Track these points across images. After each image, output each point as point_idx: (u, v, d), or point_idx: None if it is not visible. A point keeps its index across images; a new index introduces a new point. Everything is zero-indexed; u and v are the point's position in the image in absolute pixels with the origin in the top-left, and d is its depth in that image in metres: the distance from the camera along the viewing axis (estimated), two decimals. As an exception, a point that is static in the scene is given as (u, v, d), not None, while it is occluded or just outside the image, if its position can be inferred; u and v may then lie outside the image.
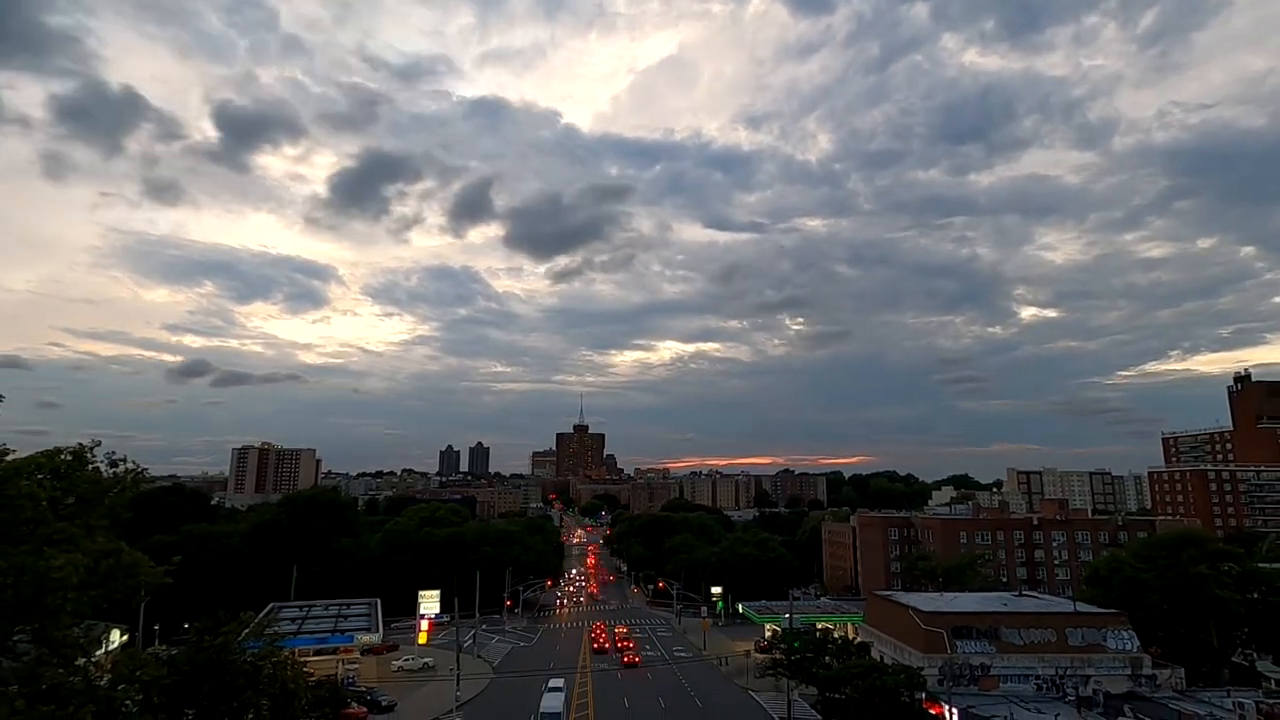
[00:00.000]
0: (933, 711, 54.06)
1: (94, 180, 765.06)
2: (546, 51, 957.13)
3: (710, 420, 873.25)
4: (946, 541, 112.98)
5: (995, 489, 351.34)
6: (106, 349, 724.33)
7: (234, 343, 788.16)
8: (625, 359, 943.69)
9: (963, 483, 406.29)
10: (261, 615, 70.40)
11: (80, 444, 27.48)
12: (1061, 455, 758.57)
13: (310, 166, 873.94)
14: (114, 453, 28.58)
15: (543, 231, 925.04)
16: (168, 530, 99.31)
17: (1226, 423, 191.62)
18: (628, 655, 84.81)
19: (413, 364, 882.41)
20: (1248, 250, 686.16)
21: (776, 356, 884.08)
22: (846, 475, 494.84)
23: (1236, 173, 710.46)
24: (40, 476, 25.73)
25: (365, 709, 61.55)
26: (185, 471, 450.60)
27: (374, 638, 76.82)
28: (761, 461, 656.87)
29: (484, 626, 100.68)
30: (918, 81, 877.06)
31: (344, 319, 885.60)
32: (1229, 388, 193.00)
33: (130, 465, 29.22)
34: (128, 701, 26.86)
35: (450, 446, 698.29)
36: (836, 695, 56.20)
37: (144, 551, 28.27)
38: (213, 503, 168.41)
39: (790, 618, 74.22)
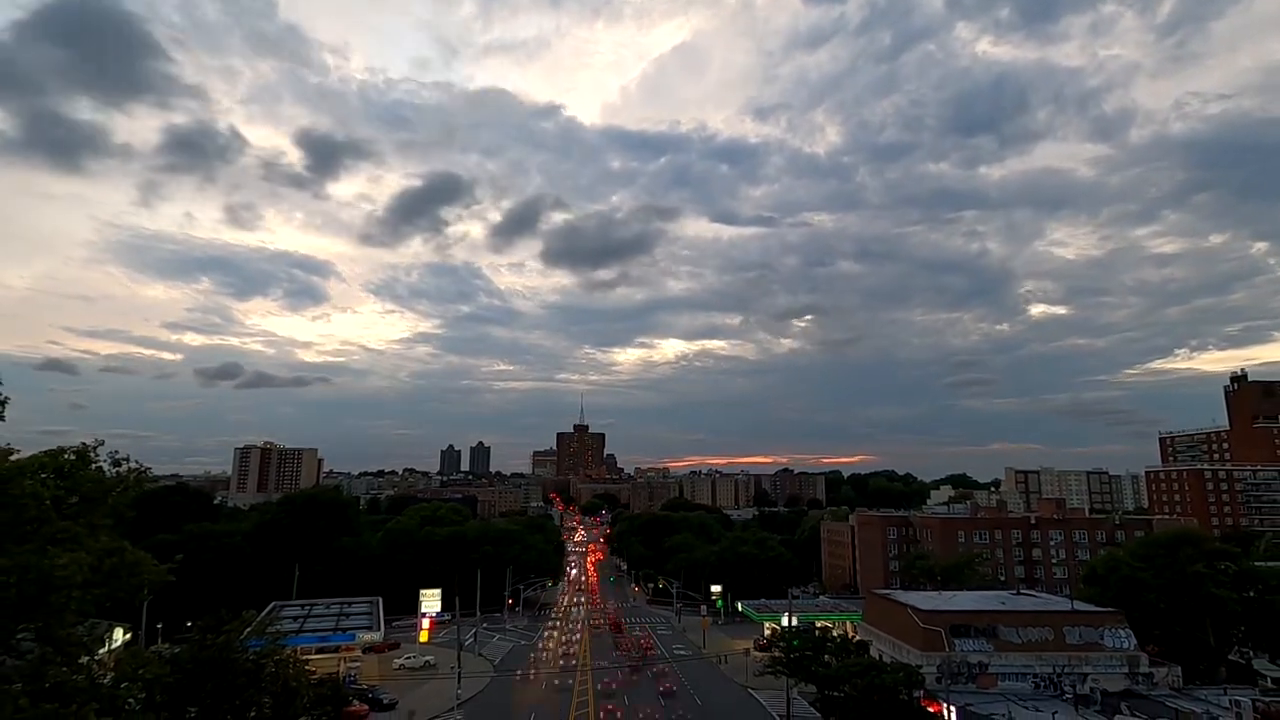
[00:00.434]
0: (931, 709, 54.27)
1: (182, 204, 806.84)
2: (551, 42, 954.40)
3: (712, 419, 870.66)
4: (945, 540, 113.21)
5: (993, 488, 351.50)
6: (105, 347, 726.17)
7: (234, 341, 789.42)
8: (629, 357, 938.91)
9: (961, 482, 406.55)
10: (263, 614, 70.90)
11: (84, 443, 27.61)
12: (1060, 455, 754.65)
13: (377, 186, 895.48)
14: (116, 452, 28.71)
15: (584, 247, 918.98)
16: (170, 529, 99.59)
17: (1224, 422, 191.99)
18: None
19: (414, 362, 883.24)
20: (1260, 246, 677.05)
21: (780, 354, 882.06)
22: (847, 474, 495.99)
23: (1252, 166, 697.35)
24: (44, 476, 25.80)
25: (367, 707, 61.93)
26: (200, 471, 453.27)
27: (375, 636, 77.21)
28: (762, 460, 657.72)
29: (485, 625, 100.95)
30: (929, 71, 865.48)
31: (344, 316, 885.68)
32: (1225, 387, 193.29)
33: (133, 465, 29.39)
34: (131, 700, 26.99)
35: (451, 446, 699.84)
36: (836, 693, 56.43)
37: (147, 550, 28.33)
38: (215, 502, 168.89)
39: (790, 616, 74.48)
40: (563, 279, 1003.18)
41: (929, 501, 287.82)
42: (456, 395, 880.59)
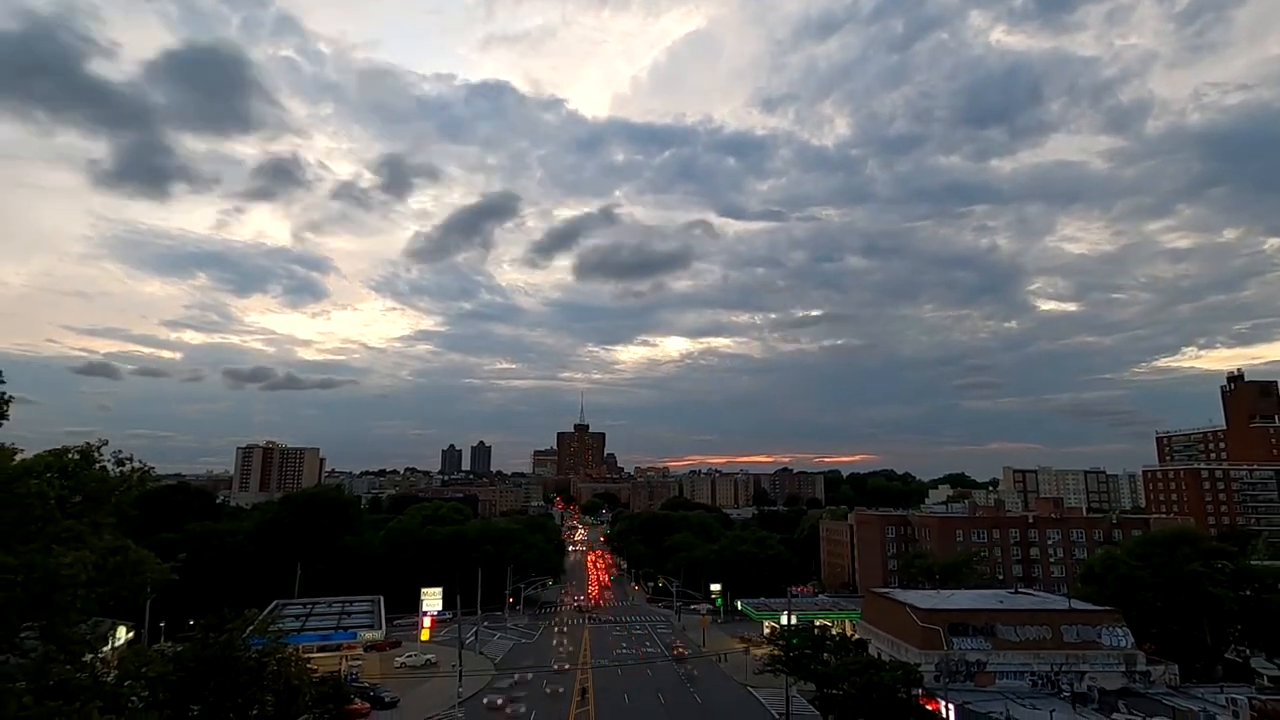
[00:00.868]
0: (929, 707, 54.47)
1: (256, 226, 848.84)
2: (557, 31, 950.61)
3: (714, 418, 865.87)
4: (943, 539, 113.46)
5: (991, 488, 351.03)
6: (105, 345, 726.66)
7: (235, 339, 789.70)
8: (632, 355, 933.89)
9: (959, 481, 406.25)
10: (266, 612, 71.38)
11: (87, 443, 27.80)
12: (1060, 454, 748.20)
13: (438, 204, 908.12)
14: (120, 451, 28.98)
15: (621, 262, 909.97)
16: (173, 528, 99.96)
17: (1221, 422, 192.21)
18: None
19: (415, 360, 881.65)
20: (1273, 242, 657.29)
21: (786, 353, 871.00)
22: (847, 474, 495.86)
23: (1271, 158, 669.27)
24: (48, 475, 26.02)
25: (368, 705, 62.22)
26: (204, 471, 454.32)
27: (377, 634, 77.57)
28: (763, 460, 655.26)
29: (486, 624, 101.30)
30: (941, 61, 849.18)
31: (344, 313, 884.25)
32: (1222, 387, 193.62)
33: (136, 464, 29.64)
34: (134, 698, 27.33)
35: (452, 446, 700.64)
36: (834, 691, 56.61)
37: (150, 549, 28.43)
38: (218, 501, 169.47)
39: (789, 615, 74.75)
40: (565, 276, 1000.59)
41: (927, 501, 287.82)
42: (458, 394, 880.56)
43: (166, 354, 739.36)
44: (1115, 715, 51.53)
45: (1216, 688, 58.48)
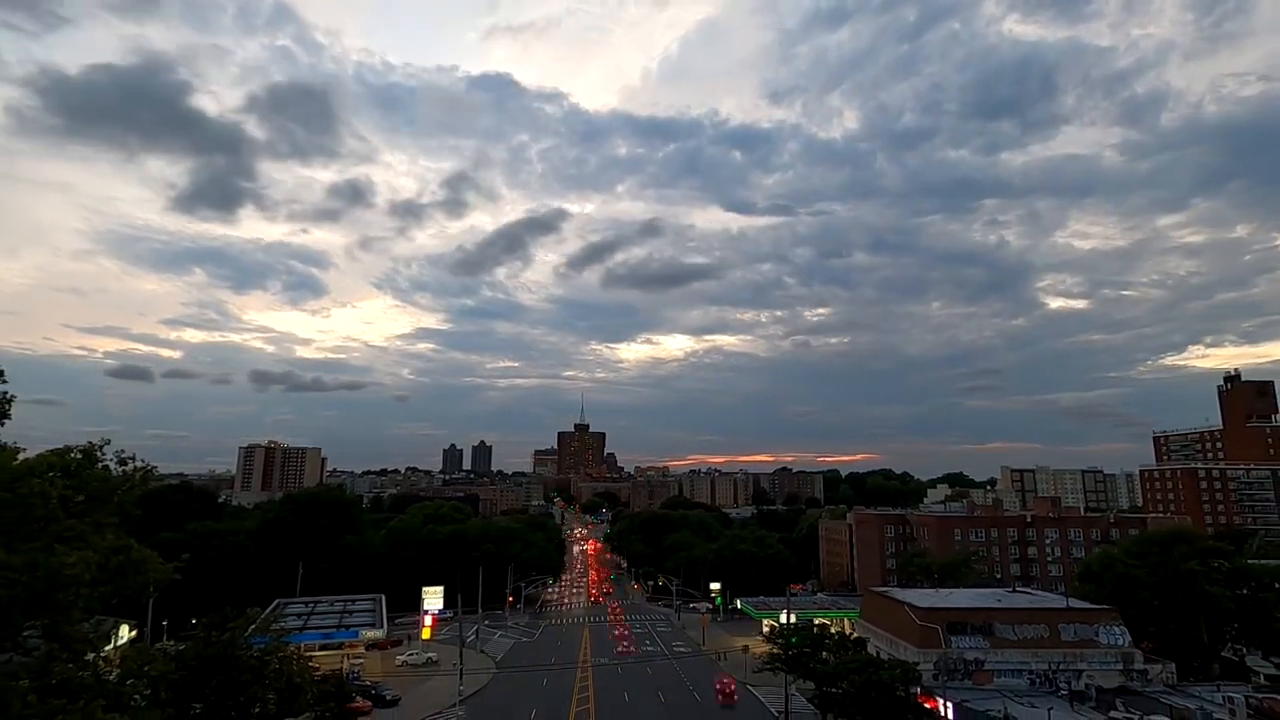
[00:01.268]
0: (928, 705, 54.71)
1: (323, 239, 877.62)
2: (562, 21, 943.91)
3: (716, 418, 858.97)
4: (941, 539, 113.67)
5: (989, 487, 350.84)
6: (105, 344, 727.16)
7: (235, 337, 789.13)
8: (635, 353, 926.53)
9: (957, 481, 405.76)
10: (268, 611, 71.83)
11: (90, 442, 28.08)
12: (1059, 454, 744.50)
13: (488, 220, 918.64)
14: (123, 451, 29.21)
15: (649, 275, 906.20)
16: (175, 528, 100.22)
17: (1218, 422, 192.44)
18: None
19: (417, 359, 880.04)
20: None
21: (789, 351, 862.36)
22: (848, 473, 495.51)
23: None
24: (51, 475, 26.23)
25: (370, 703, 62.48)
26: (206, 471, 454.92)
27: (378, 633, 77.88)
28: (764, 459, 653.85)
29: (486, 622, 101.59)
30: (953, 51, 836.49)
31: (344, 310, 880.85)
32: (1219, 387, 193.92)
33: (138, 464, 29.86)
34: (136, 696, 27.54)
35: (453, 445, 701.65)
36: (833, 689, 56.83)
37: (152, 549, 28.71)
38: (219, 501, 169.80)
39: (788, 613, 74.99)
40: (566, 274, 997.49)
41: (926, 500, 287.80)
42: (459, 393, 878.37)
43: (166, 352, 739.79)
44: (1113, 713, 51.79)
45: (1213, 686, 58.81)
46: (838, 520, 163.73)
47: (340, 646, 72.63)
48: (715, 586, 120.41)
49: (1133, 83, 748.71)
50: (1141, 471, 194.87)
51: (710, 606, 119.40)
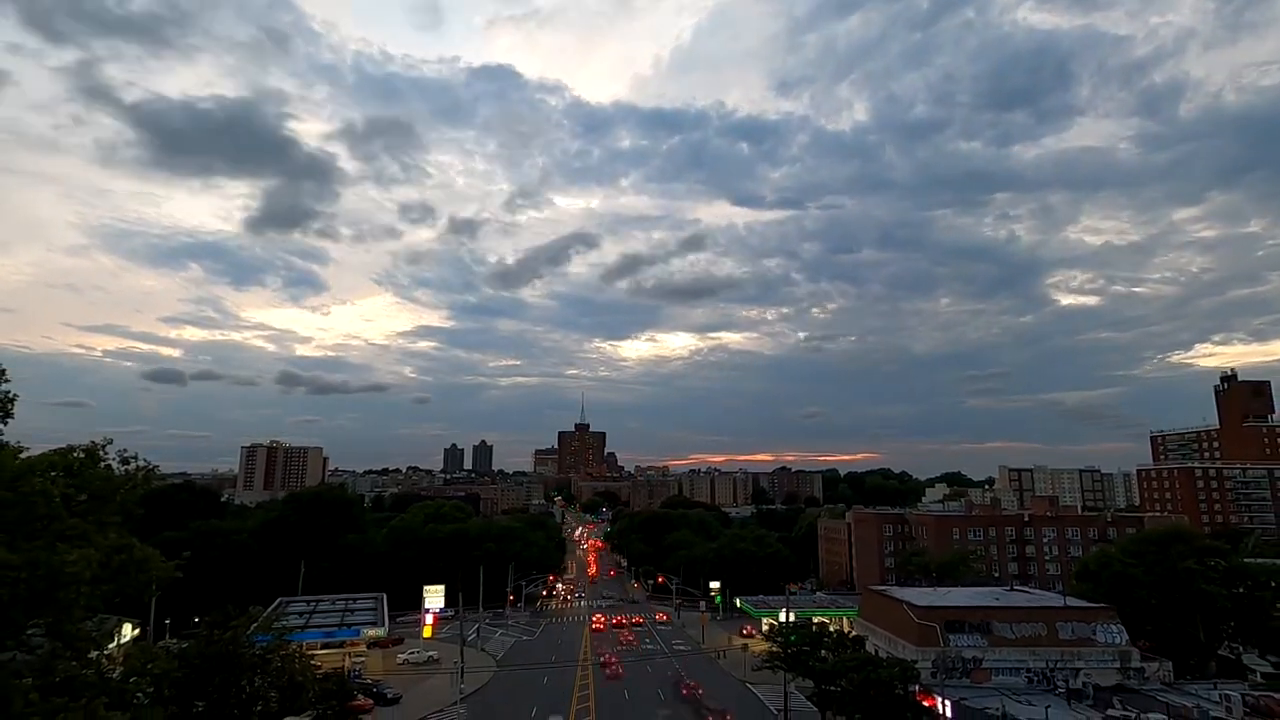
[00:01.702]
0: (926, 704, 54.86)
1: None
2: (567, 11, 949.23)
3: (718, 417, 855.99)
4: (940, 537, 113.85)
5: (987, 486, 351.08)
6: (105, 342, 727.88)
7: (236, 336, 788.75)
8: (637, 351, 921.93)
9: (955, 480, 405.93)
10: (270, 610, 72.02)
11: (92, 441, 28.15)
12: (1058, 453, 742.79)
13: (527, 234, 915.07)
14: (125, 450, 29.39)
15: (676, 287, 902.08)
16: (178, 527, 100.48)
17: (1214, 421, 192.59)
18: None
19: (418, 358, 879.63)
20: None
21: (795, 349, 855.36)
22: (847, 473, 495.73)
23: None
24: (54, 474, 26.39)
25: (371, 701, 62.76)
26: (219, 470, 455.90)
27: (380, 632, 78.01)
28: (765, 458, 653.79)
29: (487, 621, 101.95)
30: (965, 40, 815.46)
31: (344, 308, 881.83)
32: (1216, 387, 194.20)
33: (141, 463, 30.03)
34: (139, 694, 27.67)
35: (454, 445, 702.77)
36: (832, 687, 57.04)
37: (155, 547, 28.80)
38: (222, 500, 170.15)
39: (787, 612, 75.19)
40: (568, 272, 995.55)
41: (924, 499, 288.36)
42: (461, 391, 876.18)
43: (166, 350, 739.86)
44: (1110, 711, 51.99)
45: (1210, 684, 58.97)
46: (836, 519, 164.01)
47: (342, 645, 72.80)
48: (715, 585, 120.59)
49: (1151, 72, 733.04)
50: (1139, 471, 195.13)
51: (710, 605, 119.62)
